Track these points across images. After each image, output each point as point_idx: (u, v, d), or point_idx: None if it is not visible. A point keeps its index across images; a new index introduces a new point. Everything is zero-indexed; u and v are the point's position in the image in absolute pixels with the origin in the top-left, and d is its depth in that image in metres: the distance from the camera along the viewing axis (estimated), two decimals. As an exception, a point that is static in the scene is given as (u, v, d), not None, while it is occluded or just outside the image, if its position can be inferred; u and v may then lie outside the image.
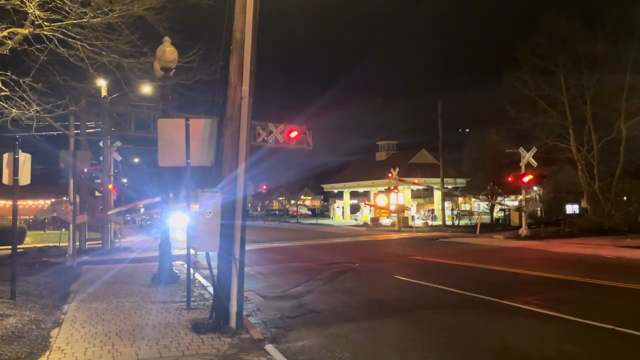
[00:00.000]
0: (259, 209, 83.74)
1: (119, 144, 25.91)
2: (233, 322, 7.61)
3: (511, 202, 38.32)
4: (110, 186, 24.25)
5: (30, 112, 10.80)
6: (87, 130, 22.48)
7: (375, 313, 9.41)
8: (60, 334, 7.63)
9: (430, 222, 44.75)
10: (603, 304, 9.93)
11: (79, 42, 10.74)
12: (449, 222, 43.10)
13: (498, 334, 7.79)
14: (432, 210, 51.48)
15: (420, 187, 54.67)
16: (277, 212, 79.86)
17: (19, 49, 10.64)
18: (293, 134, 25.48)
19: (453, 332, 8.02)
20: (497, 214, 42.29)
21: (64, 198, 17.63)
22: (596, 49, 30.59)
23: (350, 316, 9.16)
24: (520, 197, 29.91)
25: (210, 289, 10.51)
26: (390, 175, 40.58)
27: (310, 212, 79.69)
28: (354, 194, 63.67)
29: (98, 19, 10.67)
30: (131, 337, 7.46)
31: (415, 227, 37.55)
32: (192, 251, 9.45)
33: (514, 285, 12.45)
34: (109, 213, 22.65)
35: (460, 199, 54.12)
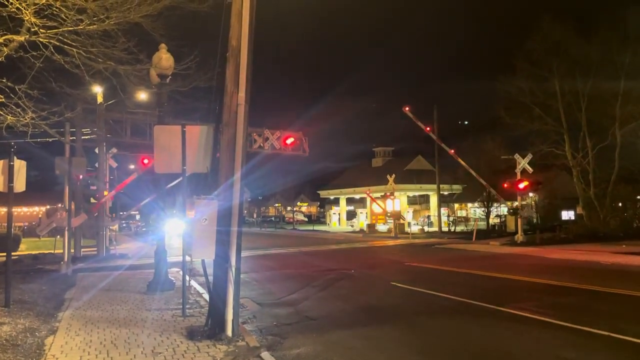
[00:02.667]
0: (254, 216, 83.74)
1: (114, 150, 25.86)
2: (229, 330, 7.57)
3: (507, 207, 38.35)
4: (105, 192, 24.19)
5: (26, 119, 10.76)
6: (82, 137, 22.43)
7: (372, 320, 9.40)
8: (55, 342, 7.57)
9: (426, 228, 44.75)
10: (599, 310, 9.94)
11: (75, 49, 10.71)
12: (445, 229, 43.12)
13: (495, 341, 7.79)
14: (428, 217, 51.54)
15: (417, 194, 54.79)
16: (273, 218, 79.73)
17: (14, 55, 10.61)
18: (289, 141, 25.52)
19: (449, 339, 8.01)
20: (493, 220, 42.34)
21: (59, 205, 17.55)
22: (590, 55, 30.82)
23: (346, 323, 9.14)
24: (516, 203, 30.00)
25: (206, 296, 10.47)
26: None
27: (306, 219, 79.70)
28: (350, 201, 63.67)
29: (94, 26, 10.66)
30: (126, 345, 7.42)
31: (412, 234, 37.55)
32: (188, 258, 9.42)
33: (510, 291, 12.45)
34: (102, 201, 22.69)
35: (456, 205, 54.20)
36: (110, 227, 24.32)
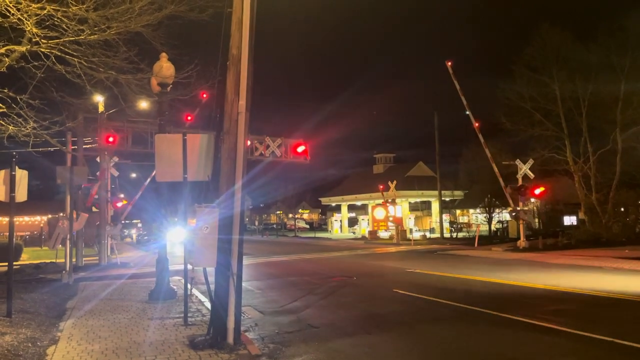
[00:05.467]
0: (256, 223, 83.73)
1: (116, 159, 25.90)
2: (231, 338, 7.55)
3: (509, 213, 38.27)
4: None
5: (27, 129, 10.79)
6: (84, 146, 22.47)
7: (374, 327, 9.36)
8: (57, 352, 7.56)
9: (428, 235, 44.69)
10: (601, 316, 9.90)
11: (76, 59, 10.76)
12: (447, 235, 43.07)
13: (497, 348, 7.75)
14: (429, 222, 51.50)
15: (418, 200, 54.73)
16: (274, 226, 79.73)
17: (16, 66, 10.67)
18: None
19: (452, 346, 7.98)
20: (495, 225, 42.31)
21: (60, 214, 17.54)
22: (590, 60, 30.91)
23: (348, 331, 9.11)
24: (518, 208, 29.96)
25: (208, 305, 10.46)
26: (380, 188, 39.72)
27: (308, 226, 79.67)
28: (351, 207, 63.64)
29: (95, 35, 10.71)
30: (128, 354, 7.40)
31: (414, 240, 37.49)
32: (189, 266, 9.42)
33: (513, 297, 12.41)
34: (93, 193, 22.66)
35: (458, 212, 54.12)
36: (114, 238, 24.32)
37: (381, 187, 42.46)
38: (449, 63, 33.19)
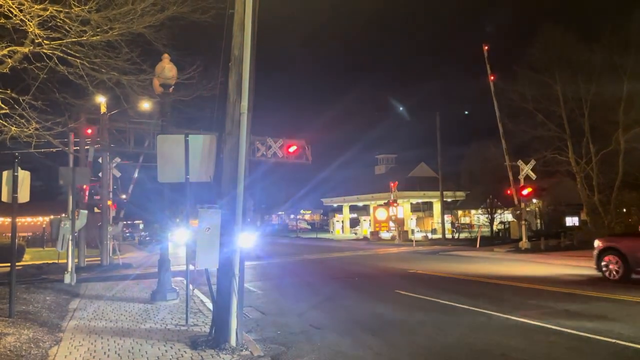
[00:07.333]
0: (258, 224, 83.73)
1: (118, 160, 25.96)
2: (233, 339, 7.55)
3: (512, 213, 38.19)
4: (109, 202, 24.25)
5: (30, 130, 10.82)
6: (86, 147, 22.52)
7: (377, 328, 9.36)
8: (59, 353, 7.56)
9: (430, 235, 44.65)
10: (605, 316, 9.88)
11: (78, 60, 10.79)
12: (448, 236, 43.03)
13: (501, 349, 7.73)
14: (431, 223, 51.51)
15: (420, 201, 54.71)
16: (276, 227, 79.75)
17: (18, 67, 10.70)
18: (292, 149, 25.60)
19: (455, 347, 7.96)
20: (497, 226, 42.27)
21: (62, 215, 17.52)
22: (592, 62, 30.80)
23: (351, 332, 9.10)
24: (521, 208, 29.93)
25: (209, 305, 10.46)
26: (392, 185, 39.65)
27: (309, 227, 79.74)
28: (353, 208, 63.65)
29: (97, 37, 10.74)
30: (130, 355, 7.41)
31: (415, 241, 37.46)
32: (191, 267, 9.43)
33: (517, 298, 12.39)
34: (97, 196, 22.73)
35: (460, 212, 54.06)
36: (116, 238, 24.35)
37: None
38: (486, 47, 32.95)
